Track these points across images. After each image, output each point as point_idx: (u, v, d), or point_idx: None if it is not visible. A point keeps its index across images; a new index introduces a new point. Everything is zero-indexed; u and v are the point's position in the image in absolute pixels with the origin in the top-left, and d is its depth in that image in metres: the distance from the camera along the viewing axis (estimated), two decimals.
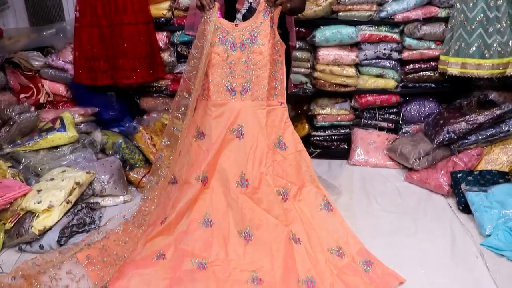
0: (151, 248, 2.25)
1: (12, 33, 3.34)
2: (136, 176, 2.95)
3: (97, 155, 2.91)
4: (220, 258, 2.15)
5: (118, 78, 3.01)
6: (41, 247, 2.34)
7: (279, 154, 2.29)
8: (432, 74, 3.22)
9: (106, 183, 2.70)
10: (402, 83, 3.31)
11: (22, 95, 3.15)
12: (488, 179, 2.72)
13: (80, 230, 2.48)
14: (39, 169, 2.73)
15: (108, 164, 2.80)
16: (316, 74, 3.23)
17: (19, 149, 2.77)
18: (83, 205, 2.56)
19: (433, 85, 3.29)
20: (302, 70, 3.24)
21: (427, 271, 2.16)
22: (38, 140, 2.78)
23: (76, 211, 2.50)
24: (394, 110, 3.40)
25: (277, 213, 2.21)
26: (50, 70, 3.21)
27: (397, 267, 2.16)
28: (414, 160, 2.97)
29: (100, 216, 2.61)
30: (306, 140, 3.30)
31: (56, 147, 2.82)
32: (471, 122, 2.92)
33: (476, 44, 2.88)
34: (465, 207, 2.63)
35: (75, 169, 2.68)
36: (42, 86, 3.24)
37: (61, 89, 3.28)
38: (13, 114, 2.85)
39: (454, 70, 2.99)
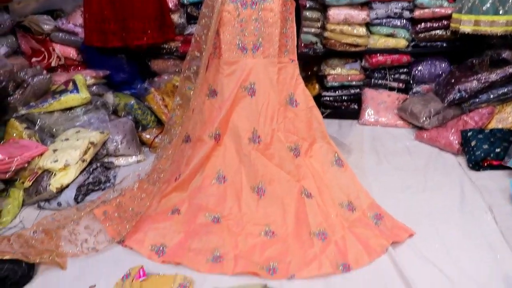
0: (166, 204, 2.31)
1: None
2: (149, 136, 2.98)
3: (109, 117, 2.94)
4: (234, 212, 2.21)
5: (129, 39, 3.01)
6: (59, 204, 2.40)
7: (290, 110, 2.30)
8: (443, 33, 3.18)
9: (119, 143, 2.73)
10: (413, 43, 3.27)
11: (33, 59, 3.17)
12: (499, 137, 2.73)
13: (96, 188, 2.54)
14: (53, 130, 2.77)
15: (121, 124, 2.83)
16: (326, 34, 3.21)
17: (34, 110, 2.81)
18: (98, 164, 2.61)
19: (444, 44, 3.26)
20: (312, 30, 3.22)
21: (436, 225, 2.19)
22: (52, 101, 2.81)
23: (91, 169, 2.55)
24: (405, 70, 3.38)
25: (289, 169, 2.25)
26: (60, 34, 3.22)
27: (406, 221, 2.19)
28: (424, 119, 2.97)
29: (115, 175, 2.66)
30: (317, 101, 3.24)
31: (70, 108, 2.85)
32: (482, 80, 2.90)
33: (490, 1, 2.83)
34: (475, 165, 2.64)
35: (89, 130, 2.72)
36: (53, 49, 3.26)
37: (72, 52, 3.29)
38: (26, 77, 2.87)
39: (466, 28, 2.95)
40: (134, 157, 2.81)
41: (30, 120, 2.82)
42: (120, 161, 2.77)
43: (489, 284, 1.83)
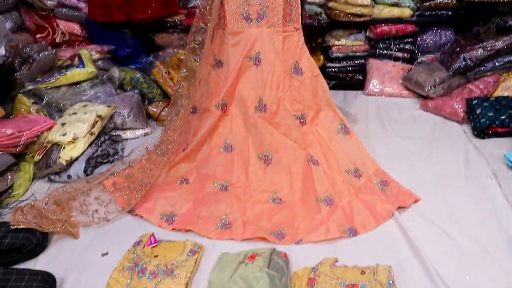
0: (174, 174, 2.34)
1: None
2: (155, 110, 3.00)
3: (116, 91, 2.95)
4: (241, 181, 2.24)
5: (133, 13, 3.00)
6: (69, 177, 2.44)
7: (295, 79, 2.31)
8: (449, 0, 3.14)
9: (126, 117, 2.75)
10: (418, 12, 3.24)
11: (38, 35, 3.17)
12: (504, 105, 2.72)
13: (105, 161, 2.56)
14: (61, 104, 2.79)
15: (127, 98, 2.85)
16: (330, 4, 3.18)
17: (41, 86, 2.82)
18: (106, 137, 2.63)
19: (450, 13, 3.22)
20: (317, 0, 3.19)
21: (441, 190, 2.21)
22: (58, 76, 2.82)
23: (99, 142, 2.57)
24: (410, 39, 3.35)
25: (295, 137, 2.27)
26: (64, 9, 3.21)
27: (412, 187, 2.21)
28: (429, 88, 2.97)
29: (123, 148, 2.69)
30: (321, 72, 3.25)
31: (76, 83, 2.87)
32: (488, 48, 2.87)
33: None
34: (480, 133, 2.65)
35: (96, 104, 2.74)
36: (57, 25, 3.26)
37: (76, 28, 3.29)
38: (32, 53, 2.87)
39: None
40: (141, 130, 2.83)
41: (37, 96, 2.84)
42: (128, 134, 2.80)
43: (493, 246, 1.86)
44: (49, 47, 3.02)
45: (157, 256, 1.85)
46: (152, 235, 1.96)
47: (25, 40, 2.95)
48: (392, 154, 2.51)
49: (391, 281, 1.65)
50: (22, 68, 2.82)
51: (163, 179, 2.32)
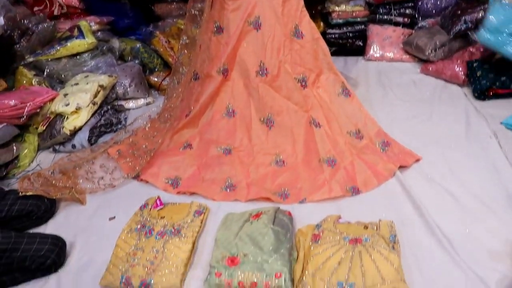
0: (178, 140, 2.36)
1: None
2: (156, 79, 3.00)
3: (116, 62, 2.95)
4: (244, 144, 2.26)
5: None
6: (73, 146, 2.46)
7: (296, 42, 2.30)
8: None
9: (128, 87, 2.76)
10: None
11: (35, 8, 3.15)
12: (504, 66, 2.72)
13: (108, 130, 2.59)
14: (62, 76, 2.80)
15: (128, 68, 2.85)
16: None
17: (41, 58, 2.82)
18: (109, 107, 2.65)
19: None
20: None
21: (442, 150, 2.23)
22: (58, 48, 2.82)
23: (102, 112, 2.59)
24: (410, 4, 3.33)
25: (296, 100, 2.28)
26: None
27: (413, 147, 2.23)
28: (430, 51, 2.97)
29: (126, 117, 2.71)
30: None
31: (77, 54, 2.87)
32: None
33: None
34: (480, 94, 2.66)
35: (97, 74, 2.75)
36: None
37: (73, 0, 3.27)
38: (30, 25, 2.87)
39: None
40: (143, 99, 2.85)
41: (38, 68, 2.84)
42: (130, 104, 2.81)
43: (492, 201, 1.90)
44: (48, 19, 3.01)
45: (164, 217, 1.89)
46: (158, 198, 1.99)
47: (22, 12, 2.94)
48: (393, 117, 2.53)
49: (393, 235, 1.69)
50: (22, 40, 2.81)
51: (166, 145, 2.35)
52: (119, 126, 2.60)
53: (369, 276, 1.51)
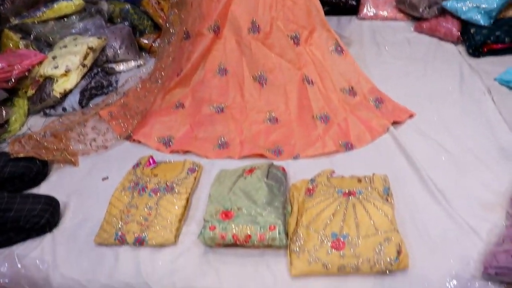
0: (170, 100, 2.34)
1: None
2: (147, 41, 2.95)
3: (106, 24, 2.90)
4: (237, 102, 2.24)
5: None
6: (64, 109, 2.43)
7: None
8: None
9: (118, 49, 2.72)
10: None
11: None
12: (498, 21, 2.69)
13: (99, 93, 2.56)
14: (50, 38, 2.76)
15: (118, 30, 2.80)
16: None
17: (27, 20, 2.77)
18: (99, 69, 2.61)
19: None
20: None
21: (436, 106, 2.22)
22: (45, 10, 2.78)
23: (93, 74, 2.56)
24: None
25: (289, 57, 2.25)
26: None
27: (407, 104, 2.22)
28: (423, 8, 2.92)
29: (116, 80, 2.68)
30: None
31: (64, 16, 2.81)
32: None
33: None
34: (474, 51, 2.63)
35: (86, 36, 2.70)
36: None
37: None
38: None
39: None
40: (133, 62, 2.80)
41: (24, 31, 2.79)
42: (120, 66, 2.77)
43: (485, 155, 1.90)
44: None
45: (157, 175, 1.88)
46: (151, 156, 1.98)
47: None
48: (387, 74, 2.50)
49: (387, 188, 1.70)
50: (5, 1, 2.75)
51: (158, 105, 2.32)
52: (110, 88, 2.57)
53: (363, 227, 1.52)
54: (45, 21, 2.79)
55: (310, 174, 1.84)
